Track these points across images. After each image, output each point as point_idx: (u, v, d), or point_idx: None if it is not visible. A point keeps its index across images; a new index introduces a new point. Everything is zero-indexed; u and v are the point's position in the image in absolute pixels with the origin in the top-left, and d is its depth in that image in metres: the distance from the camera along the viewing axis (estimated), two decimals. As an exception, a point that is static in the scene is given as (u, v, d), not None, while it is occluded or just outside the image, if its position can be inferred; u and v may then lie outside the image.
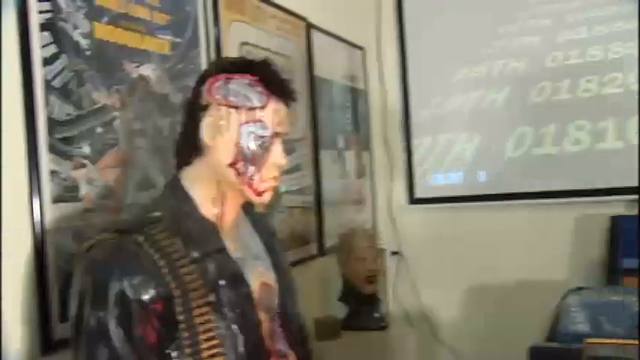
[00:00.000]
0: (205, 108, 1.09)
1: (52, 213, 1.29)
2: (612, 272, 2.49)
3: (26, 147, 1.26)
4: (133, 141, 1.52)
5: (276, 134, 1.11)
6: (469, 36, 2.90)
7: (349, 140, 2.83)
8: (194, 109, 1.11)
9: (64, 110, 1.34)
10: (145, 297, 0.97)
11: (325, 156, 2.56)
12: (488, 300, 2.87)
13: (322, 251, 2.50)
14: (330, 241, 2.52)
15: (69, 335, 1.00)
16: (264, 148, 1.09)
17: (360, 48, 3.00)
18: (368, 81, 3.07)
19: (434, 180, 2.97)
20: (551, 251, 2.73)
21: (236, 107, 1.08)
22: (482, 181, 2.87)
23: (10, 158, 1.24)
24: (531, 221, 2.78)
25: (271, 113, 1.10)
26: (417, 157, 3.00)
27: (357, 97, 2.95)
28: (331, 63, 2.67)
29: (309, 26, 2.47)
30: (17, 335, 1.24)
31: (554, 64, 2.75)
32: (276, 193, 2.13)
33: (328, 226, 2.53)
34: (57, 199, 1.31)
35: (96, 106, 1.42)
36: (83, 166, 1.38)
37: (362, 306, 2.38)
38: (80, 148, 1.37)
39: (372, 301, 2.40)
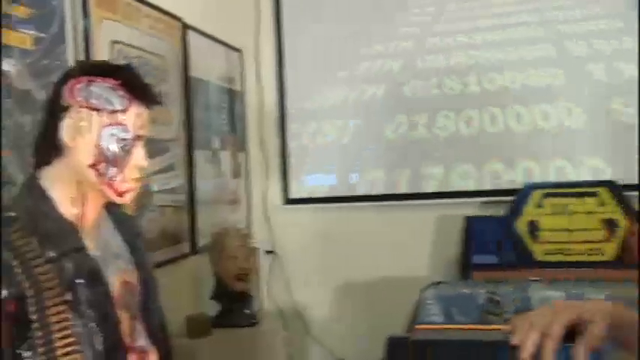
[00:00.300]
0: (66, 109, 1.10)
1: None
2: (465, 268, 2.73)
3: None
4: (-9, 138, 1.47)
5: (137, 137, 1.14)
6: (344, 42, 3.04)
7: (225, 141, 2.87)
8: (54, 109, 1.11)
9: None
10: (-5, 297, 0.97)
11: (200, 156, 2.58)
12: (358, 297, 3.02)
13: (195, 250, 2.52)
14: (203, 240, 2.54)
15: None
16: (126, 150, 1.12)
17: (238, 50, 3.04)
18: (245, 82, 3.13)
19: (308, 181, 3.09)
20: (415, 249, 2.93)
21: (97, 110, 1.10)
22: (353, 183, 3.02)
23: None
24: (397, 221, 2.96)
25: (133, 117, 1.12)
26: (292, 159, 3.09)
27: (233, 98, 2.99)
28: (208, 64, 2.70)
29: (185, 27, 2.48)
30: None
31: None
32: (147, 193, 2.13)
33: (202, 226, 2.55)
34: None
35: (-52, 101, 1.36)
36: None
37: (233, 304, 2.44)
38: None
39: (243, 298, 2.46)
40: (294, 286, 3.11)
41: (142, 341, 1.21)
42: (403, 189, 2.96)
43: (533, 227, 2.66)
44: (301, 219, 3.09)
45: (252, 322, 2.48)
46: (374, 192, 2.98)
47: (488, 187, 2.86)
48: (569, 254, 2.61)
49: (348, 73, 3.03)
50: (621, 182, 2.61)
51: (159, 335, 1.28)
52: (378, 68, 3.00)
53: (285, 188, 3.11)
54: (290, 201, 3.10)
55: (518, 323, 0.94)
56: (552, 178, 2.77)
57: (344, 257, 3.02)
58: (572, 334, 0.92)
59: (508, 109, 2.83)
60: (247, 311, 2.48)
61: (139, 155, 1.14)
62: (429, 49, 2.96)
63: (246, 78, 3.14)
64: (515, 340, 0.92)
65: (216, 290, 2.45)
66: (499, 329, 0.98)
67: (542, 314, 0.93)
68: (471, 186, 2.88)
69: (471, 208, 2.85)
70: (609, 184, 2.61)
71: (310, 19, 3.08)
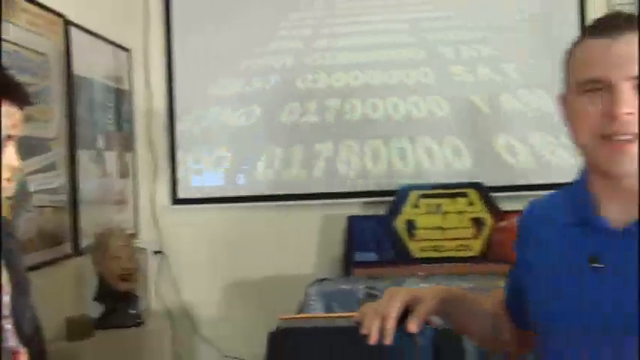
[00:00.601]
0: None
1: None
2: (347, 265, 2.87)
3: None
4: None
5: (8, 137, 1.14)
6: (234, 43, 3.09)
7: (111, 140, 2.83)
8: None
9: None
10: None
11: (83, 155, 2.54)
12: (246, 295, 3.08)
13: (78, 251, 2.48)
14: (87, 241, 2.50)
15: None
16: (-4, 150, 1.12)
17: (126, 49, 3.01)
18: (133, 82, 3.09)
19: (196, 181, 3.10)
20: (301, 248, 3.03)
21: (-36, 109, 1.09)
22: (240, 183, 3.08)
23: None
24: (284, 221, 3.05)
25: (3, 117, 1.13)
26: (180, 159, 3.10)
27: (121, 97, 2.96)
28: (93, 62, 2.66)
29: (68, 24, 2.43)
30: None
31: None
32: (24, 193, 2.08)
33: (85, 226, 2.51)
34: None
35: None
36: None
37: (117, 304, 2.42)
38: None
39: (128, 298, 2.45)
40: (182, 285, 3.12)
41: (11, 341, 1.21)
42: (288, 190, 3.05)
43: (410, 226, 2.84)
44: (190, 219, 3.10)
45: (137, 322, 2.48)
46: (261, 192, 3.05)
47: (370, 188, 3.01)
48: (442, 250, 2.82)
49: (237, 75, 3.08)
50: (487, 184, 2.85)
51: (31, 336, 1.28)
52: (267, 71, 3.08)
53: (174, 188, 3.11)
54: (178, 201, 3.11)
55: (365, 311, 1.07)
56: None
57: (232, 256, 3.07)
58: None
59: (387, 100, 3.03)
60: (132, 311, 2.47)
61: (10, 155, 1.15)
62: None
63: (135, 77, 3.11)
64: (364, 330, 1.04)
65: (100, 291, 2.43)
66: (352, 316, 1.10)
67: (382, 300, 1.06)
68: (354, 182, 3.03)
69: (354, 208, 3.00)
70: (477, 186, 2.84)
71: (200, 20, 3.10)
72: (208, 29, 3.10)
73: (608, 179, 1.03)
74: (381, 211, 2.92)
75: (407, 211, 2.85)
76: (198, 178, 3.11)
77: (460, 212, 2.84)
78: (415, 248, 2.83)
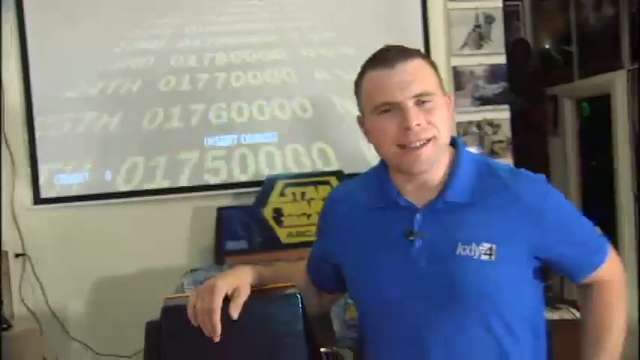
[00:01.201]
0: None
1: None
2: (219, 254, 2.97)
3: None
4: None
5: None
6: (96, 36, 3.03)
7: (-37, 140, 2.70)
8: None
9: None
10: None
11: None
12: (119, 292, 3.05)
13: None
14: (-59, 248, 2.39)
15: None
16: None
17: (-26, 44, 2.87)
18: (-16, 79, 2.95)
19: (59, 179, 3.02)
20: (173, 241, 3.07)
21: None
22: (108, 179, 3.05)
23: None
24: (155, 215, 3.07)
25: None
26: (41, 157, 3.00)
27: (-29, 95, 2.82)
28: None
29: None
30: None
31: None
32: None
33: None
34: None
35: None
36: None
37: (-20, 310, 2.34)
38: None
39: (-9, 304, 2.38)
40: (49, 287, 3.04)
41: None
42: (159, 185, 3.08)
43: (278, 213, 3.00)
44: (54, 219, 3.02)
45: (3, 327, 2.41)
46: (130, 188, 3.05)
47: (237, 179, 3.12)
48: (308, 235, 3.00)
49: (100, 67, 3.03)
50: (346, 172, 3.08)
51: None
52: (131, 65, 3.06)
53: (36, 188, 3.01)
54: (41, 201, 3.01)
55: (195, 317, 1.20)
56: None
57: (102, 254, 3.03)
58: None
59: (253, 102, 3.12)
60: (-3, 317, 2.40)
61: None
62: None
63: (-14, 74, 2.96)
64: (206, 333, 1.19)
65: (-41, 298, 2.33)
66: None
67: (202, 294, 1.21)
68: (223, 176, 3.11)
69: (224, 199, 3.10)
70: (338, 174, 3.06)
71: (56, 18, 3.01)
72: (64, 29, 3.01)
73: (408, 175, 1.27)
74: (250, 201, 3.05)
75: (274, 200, 3.00)
76: (61, 177, 3.02)
77: (324, 199, 3.02)
78: (283, 234, 2.99)
